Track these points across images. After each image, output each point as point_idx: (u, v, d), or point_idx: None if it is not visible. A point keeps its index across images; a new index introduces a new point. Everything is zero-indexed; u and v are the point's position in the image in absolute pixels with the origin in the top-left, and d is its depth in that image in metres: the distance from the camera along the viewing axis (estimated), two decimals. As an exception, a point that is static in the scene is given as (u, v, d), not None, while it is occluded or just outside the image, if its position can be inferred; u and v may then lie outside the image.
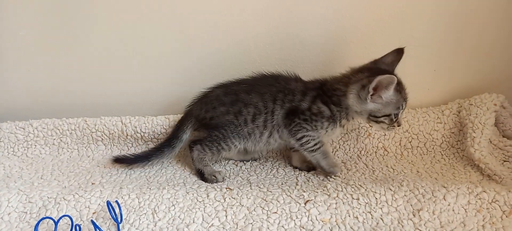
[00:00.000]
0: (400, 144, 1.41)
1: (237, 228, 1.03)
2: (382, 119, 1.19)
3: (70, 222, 1.02)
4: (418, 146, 1.40)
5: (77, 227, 0.99)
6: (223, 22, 1.42)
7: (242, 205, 1.09)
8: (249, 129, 1.25)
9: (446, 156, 1.37)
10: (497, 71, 1.46)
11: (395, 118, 1.19)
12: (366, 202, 1.09)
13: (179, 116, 1.43)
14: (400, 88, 1.18)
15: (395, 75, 1.11)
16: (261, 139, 1.27)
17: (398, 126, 1.22)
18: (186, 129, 1.33)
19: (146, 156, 1.32)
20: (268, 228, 1.02)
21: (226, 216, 1.06)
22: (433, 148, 1.40)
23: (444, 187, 1.09)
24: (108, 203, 1.04)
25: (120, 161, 1.34)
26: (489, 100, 1.35)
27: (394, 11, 1.39)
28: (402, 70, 1.45)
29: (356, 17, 1.40)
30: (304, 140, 1.23)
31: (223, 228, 1.03)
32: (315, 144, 1.24)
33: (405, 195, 1.09)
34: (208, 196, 1.13)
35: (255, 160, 1.41)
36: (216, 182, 1.25)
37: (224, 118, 1.26)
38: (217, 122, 1.27)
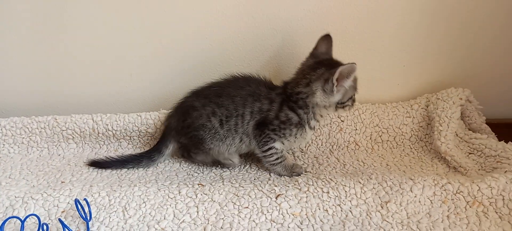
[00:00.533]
0: (371, 138, 1.44)
1: (208, 223, 1.03)
2: (347, 102, 1.23)
3: (37, 222, 1.01)
4: (388, 140, 1.43)
5: (45, 226, 0.97)
6: (206, 20, 1.41)
7: (214, 201, 1.10)
8: (224, 131, 1.25)
9: (415, 149, 1.40)
10: (464, 67, 1.50)
11: (354, 96, 1.25)
12: (336, 195, 1.11)
13: (151, 114, 1.43)
14: None
15: (354, 63, 1.14)
16: (234, 142, 1.27)
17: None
18: (168, 144, 1.32)
19: (123, 162, 1.31)
20: (239, 222, 1.03)
21: (198, 212, 1.06)
22: (402, 142, 1.43)
23: (411, 179, 1.12)
24: (76, 201, 1.03)
25: (96, 164, 1.33)
26: (455, 95, 1.39)
27: (365, 8, 1.41)
28: (373, 66, 1.49)
29: (332, 14, 1.42)
30: (268, 152, 1.24)
31: (194, 224, 1.03)
32: (277, 158, 1.25)
33: (373, 188, 1.12)
34: (179, 192, 1.13)
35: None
36: (233, 166, 1.32)
37: (198, 122, 1.26)
38: (193, 127, 1.26)
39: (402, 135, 1.44)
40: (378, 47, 1.47)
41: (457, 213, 1.05)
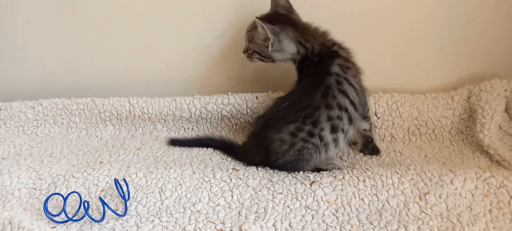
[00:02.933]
0: (408, 131, 1.40)
1: (243, 207, 1.03)
2: None
3: (78, 199, 1.04)
4: (426, 133, 1.39)
5: (86, 204, 1.00)
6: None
7: (248, 186, 1.10)
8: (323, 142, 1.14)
9: (455, 142, 1.36)
10: (508, 57, 1.43)
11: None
12: (372, 184, 1.08)
13: (186, 98, 1.44)
14: None
15: None
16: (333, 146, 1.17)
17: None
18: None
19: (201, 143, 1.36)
20: (273, 208, 1.02)
21: (232, 196, 1.07)
22: (441, 134, 1.38)
23: (452, 171, 1.09)
24: (116, 181, 1.05)
25: (175, 142, 1.38)
26: (500, 86, 1.33)
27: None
28: (412, 55, 1.45)
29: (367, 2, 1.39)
30: None
31: (229, 208, 1.03)
32: None
33: (411, 179, 1.09)
34: (214, 176, 1.13)
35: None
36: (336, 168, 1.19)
37: (293, 152, 1.15)
38: (289, 160, 1.16)
39: (441, 127, 1.39)
40: (418, 36, 1.42)
41: (500, 208, 1.00)
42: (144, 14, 1.46)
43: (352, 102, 1.15)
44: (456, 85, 1.45)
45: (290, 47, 1.20)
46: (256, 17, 1.16)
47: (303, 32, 1.22)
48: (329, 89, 1.13)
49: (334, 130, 1.13)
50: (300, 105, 1.13)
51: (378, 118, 1.42)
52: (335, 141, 1.14)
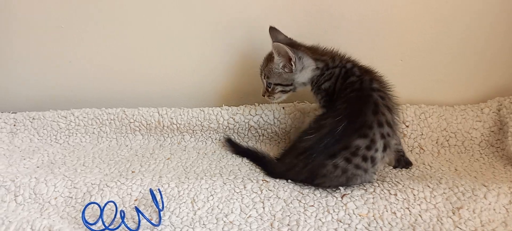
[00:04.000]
0: (437, 142, 1.39)
1: (274, 219, 1.04)
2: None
3: (114, 208, 1.06)
4: (455, 144, 1.38)
5: (121, 213, 1.02)
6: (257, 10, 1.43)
7: (279, 197, 1.11)
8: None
9: (485, 155, 1.34)
10: (540, 69, 1.42)
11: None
12: (404, 198, 1.08)
13: (214, 109, 1.47)
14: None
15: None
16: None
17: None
18: None
19: (250, 155, 1.35)
20: (305, 220, 1.03)
21: (264, 208, 1.07)
22: (471, 147, 1.37)
23: (485, 186, 1.08)
24: (151, 191, 1.07)
25: (231, 143, 1.42)
26: (532, 99, 1.32)
27: (435, 6, 1.37)
28: (440, 66, 1.44)
29: (397, 14, 1.40)
30: None
31: (261, 219, 1.04)
32: None
33: (444, 193, 1.08)
34: (245, 187, 1.14)
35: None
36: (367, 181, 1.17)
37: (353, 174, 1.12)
38: (347, 182, 1.14)
39: (471, 139, 1.38)
40: (446, 46, 1.42)
41: (536, 224, 0.99)
42: (172, 25, 1.49)
43: (393, 117, 1.15)
44: (485, 97, 1.44)
45: (309, 62, 1.22)
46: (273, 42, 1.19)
47: (314, 51, 1.26)
48: (378, 106, 1.11)
49: (385, 148, 1.11)
50: (353, 127, 1.09)
51: (407, 126, 1.41)
52: (383, 159, 1.14)
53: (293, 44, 1.26)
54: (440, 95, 1.47)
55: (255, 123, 1.45)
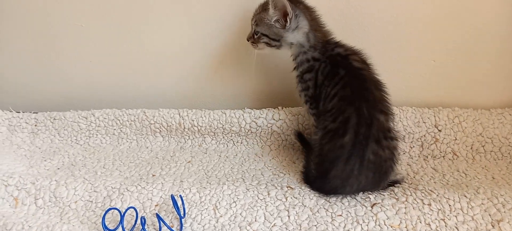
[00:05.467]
0: (471, 148, 1.31)
1: (300, 229, 0.99)
2: None
3: (134, 214, 1.03)
4: (492, 150, 1.30)
5: (142, 219, 0.99)
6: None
7: (305, 206, 1.06)
8: None
9: (525, 162, 1.26)
10: None
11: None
12: (439, 208, 1.02)
13: (236, 112, 1.42)
14: None
15: None
16: None
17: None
18: None
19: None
20: (333, 231, 0.98)
21: (289, 216, 1.03)
22: (509, 153, 1.29)
23: (527, 197, 1.00)
24: (173, 197, 1.04)
25: (300, 138, 1.35)
26: None
27: (469, 3, 1.30)
28: (475, 67, 1.36)
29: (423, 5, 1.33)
30: None
31: (286, 229, 0.99)
32: None
33: (482, 204, 1.02)
34: (268, 194, 1.10)
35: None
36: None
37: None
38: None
39: (509, 145, 1.29)
40: (482, 46, 1.34)
41: None
42: (194, 25, 1.45)
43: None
44: (525, 101, 1.35)
45: (304, 24, 1.18)
46: None
47: (314, 18, 1.22)
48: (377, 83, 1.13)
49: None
50: (373, 105, 1.08)
51: (440, 130, 1.33)
52: None
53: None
54: (476, 98, 1.39)
55: (278, 127, 1.40)
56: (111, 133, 1.50)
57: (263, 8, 1.22)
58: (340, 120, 1.08)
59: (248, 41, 1.27)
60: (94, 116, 1.51)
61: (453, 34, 1.34)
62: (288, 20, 1.16)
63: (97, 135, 1.51)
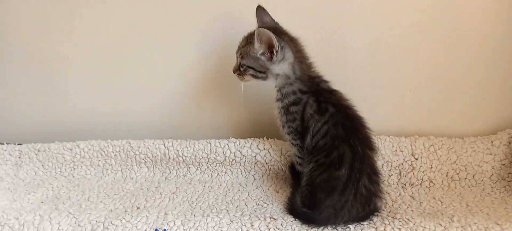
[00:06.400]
0: (447, 175, 1.36)
1: (283, 260, 1.02)
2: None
3: (119, 248, 1.04)
4: (466, 178, 1.36)
5: (127, 254, 1.00)
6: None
7: (288, 236, 1.09)
8: None
9: (497, 189, 1.32)
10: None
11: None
12: (416, 238, 1.06)
13: (221, 141, 1.45)
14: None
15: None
16: None
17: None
18: None
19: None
20: (315, 261, 1.00)
21: (272, 248, 1.05)
22: (482, 180, 1.35)
23: (498, 224, 1.06)
24: (157, 231, 1.05)
25: (292, 170, 1.38)
26: (543, 132, 1.30)
27: (443, 41, 1.37)
28: (449, 97, 1.43)
29: (411, 45, 1.41)
30: None
31: (269, 261, 1.02)
32: None
33: (456, 232, 1.06)
34: (252, 225, 1.12)
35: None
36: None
37: None
38: None
39: (482, 173, 1.35)
40: (455, 78, 1.41)
41: (552, 266, 0.96)
42: (178, 60, 1.50)
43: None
44: (496, 129, 1.42)
45: (289, 55, 1.21)
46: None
47: (299, 50, 1.25)
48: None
49: None
50: (365, 143, 1.16)
51: (416, 159, 1.39)
52: None
53: (277, 31, 1.23)
54: (450, 127, 1.45)
55: (262, 157, 1.43)
56: (96, 164, 1.51)
57: (248, 41, 1.24)
58: (334, 155, 1.13)
59: (234, 73, 1.30)
60: (79, 147, 1.51)
61: (428, 67, 1.41)
62: (274, 52, 1.19)
63: (82, 166, 1.51)
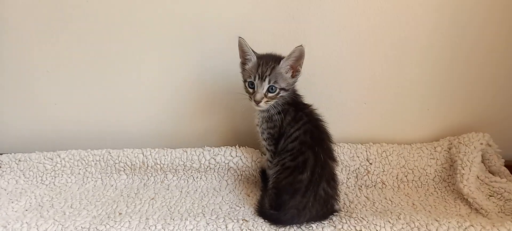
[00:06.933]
0: (397, 178, 1.55)
1: (254, 258, 1.15)
2: (244, 84, 1.35)
3: (105, 252, 1.14)
4: (413, 180, 1.55)
5: (113, 257, 1.10)
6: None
7: (258, 236, 1.22)
8: None
9: (439, 189, 1.51)
10: (484, 112, 1.62)
11: (250, 86, 1.31)
12: (368, 234, 1.22)
13: (196, 150, 1.57)
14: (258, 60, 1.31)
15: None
16: None
17: (254, 100, 1.30)
18: None
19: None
20: (282, 258, 1.15)
21: (244, 247, 1.19)
22: (427, 182, 1.54)
23: (437, 221, 1.23)
24: (141, 236, 1.16)
25: (263, 175, 1.48)
26: (476, 140, 1.50)
27: (391, 56, 1.55)
28: (399, 108, 1.61)
29: (362, 60, 1.56)
30: None
31: (242, 258, 1.15)
32: None
33: (402, 228, 1.23)
34: (226, 227, 1.25)
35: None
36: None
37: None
38: None
39: (426, 175, 1.55)
40: (405, 92, 1.60)
41: (480, 255, 1.15)
42: (155, 73, 1.61)
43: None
44: (438, 137, 1.62)
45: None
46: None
47: None
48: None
49: None
50: (327, 153, 1.31)
51: (371, 163, 1.57)
52: None
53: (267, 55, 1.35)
54: (400, 134, 1.64)
55: (234, 164, 1.56)
56: (77, 172, 1.59)
57: (275, 61, 1.28)
58: (299, 160, 1.28)
59: (259, 103, 1.29)
60: (59, 156, 1.58)
61: (381, 81, 1.58)
62: (299, 70, 1.30)
63: (62, 174, 1.58)
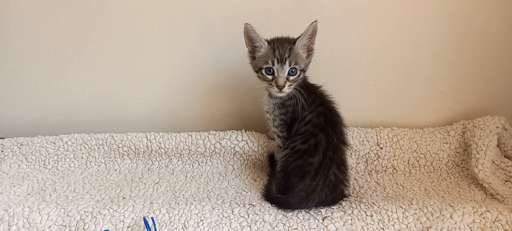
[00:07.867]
0: (408, 163, 1.50)
1: (261, 243, 1.12)
2: (258, 73, 1.27)
3: (108, 235, 1.11)
4: (425, 165, 1.50)
5: (117, 241, 1.07)
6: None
7: (265, 221, 1.18)
8: None
9: (452, 175, 1.46)
10: (499, 95, 1.56)
11: (267, 72, 1.24)
12: (379, 219, 1.18)
13: (201, 134, 1.53)
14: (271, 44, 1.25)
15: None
16: None
17: (276, 86, 1.22)
18: None
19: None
20: (290, 243, 1.11)
21: (251, 231, 1.15)
22: (439, 167, 1.49)
23: (451, 206, 1.19)
24: (145, 219, 1.13)
25: (271, 159, 1.45)
26: (492, 123, 1.45)
27: (404, 38, 1.49)
28: (411, 91, 1.56)
29: (374, 43, 1.51)
30: None
31: (249, 243, 1.12)
32: None
33: (415, 213, 1.19)
34: (232, 211, 1.21)
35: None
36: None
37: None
38: None
39: (439, 160, 1.50)
40: (416, 74, 1.54)
41: (496, 241, 1.11)
42: (160, 54, 1.56)
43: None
44: (452, 121, 1.57)
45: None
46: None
47: None
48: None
49: None
50: (339, 138, 1.26)
51: (381, 148, 1.52)
52: None
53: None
54: (411, 118, 1.59)
55: (240, 148, 1.53)
56: (80, 156, 1.56)
57: (290, 43, 1.22)
58: (311, 142, 1.23)
59: (282, 87, 1.22)
60: (62, 140, 1.56)
61: (392, 63, 1.53)
62: (312, 48, 1.26)
63: (65, 159, 1.56)
